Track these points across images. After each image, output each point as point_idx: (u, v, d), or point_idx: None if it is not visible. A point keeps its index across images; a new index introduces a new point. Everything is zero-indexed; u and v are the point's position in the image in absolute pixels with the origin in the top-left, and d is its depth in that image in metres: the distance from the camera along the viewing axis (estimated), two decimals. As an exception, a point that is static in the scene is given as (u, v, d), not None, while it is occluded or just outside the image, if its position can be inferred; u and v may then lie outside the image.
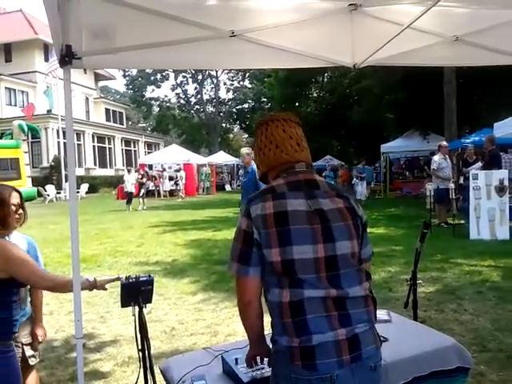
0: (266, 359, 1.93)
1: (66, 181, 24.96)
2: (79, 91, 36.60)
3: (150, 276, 2.54)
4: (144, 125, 59.41)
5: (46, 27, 35.19)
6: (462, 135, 19.97)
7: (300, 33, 2.55)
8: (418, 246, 2.76)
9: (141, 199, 19.66)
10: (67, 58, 2.19)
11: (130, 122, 52.41)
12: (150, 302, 2.59)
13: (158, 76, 48.88)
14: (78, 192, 26.59)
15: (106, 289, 2.51)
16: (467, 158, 10.45)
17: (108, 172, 35.32)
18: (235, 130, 56.74)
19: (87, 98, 38.04)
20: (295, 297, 1.62)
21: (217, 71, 50.23)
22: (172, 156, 28.81)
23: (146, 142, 43.10)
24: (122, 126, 42.35)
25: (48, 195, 23.72)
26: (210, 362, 2.25)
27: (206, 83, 51.55)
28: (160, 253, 9.07)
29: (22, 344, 2.81)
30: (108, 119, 40.44)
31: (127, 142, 40.20)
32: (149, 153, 40.41)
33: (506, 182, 8.47)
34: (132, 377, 3.85)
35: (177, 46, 2.42)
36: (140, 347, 2.50)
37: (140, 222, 14.17)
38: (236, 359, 2.12)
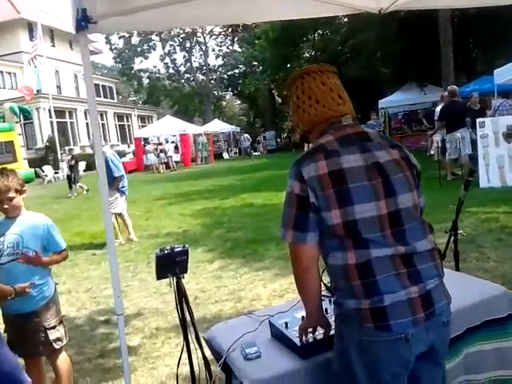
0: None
1: (62, 160, 24.70)
2: (67, 68, 35.85)
3: (184, 246, 2.47)
4: (135, 98, 58.45)
5: (28, 6, 34.25)
6: (459, 85, 19.72)
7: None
8: (461, 194, 2.67)
9: (74, 185, 16.45)
10: (83, 22, 2.03)
11: (120, 97, 51.53)
12: (185, 272, 2.53)
13: (145, 47, 47.70)
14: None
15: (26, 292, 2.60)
16: (471, 105, 10.27)
17: (104, 148, 34.92)
18: (227, 96, 55.89)
19: (76, 75, 37.23)
20: (362, 258, 1.54)
21: (204, 37, 49.15)
22: (167, 127, 28.47)
23: (138, 115, 42.55)
24: (113, 101, 41.72)
25: (46, 176, 23.49)
26: (256, 327, 2.19)
27: (194, 50, 50.34)
28: (169, 225, 9.02)
29: (45, 328, 2.76)
30: (98, 95, 39.68)
31: (120, 117, 39.65)
32: (143, 126, 39.95)
33: (515, 128, 8.35)
34: (162, 348, 3.85)
35: (195, 1, 2.25)
36: (182, 317, 2.44)
37: (143, 196, 14.07)
38: (286, 323, 2.06)
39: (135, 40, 46.99)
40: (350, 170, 1.57)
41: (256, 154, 34.91)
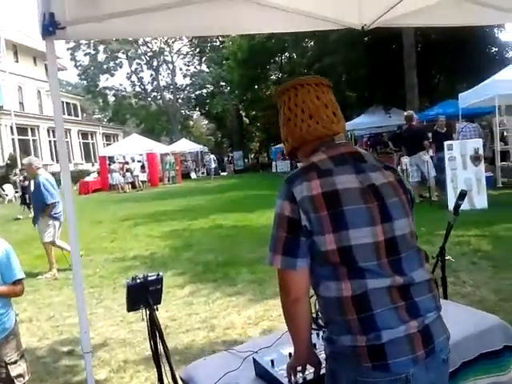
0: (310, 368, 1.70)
1: (13, 181, 23.83)
2: (30, 84, 34.90)
3: (158, 274, 2.27)
4: (100, 116, 57.55)
5: (-11, 18, 33.31)
6: (423, 108, 20.30)
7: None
8: (450, 218, 2.59)
9: (28, 207, 14.87)
10: (50, 27, 1.86)
11: (84, 114, 50.58)
12: (159, 302, 2.32)
13: (111, 64, 47.24)
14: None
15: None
16: (437, 129, 10.50)
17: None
18: (195, 116, 55.77)
19: (39, 91, 36.32)
20: (358, 289, 1.40)
21: (172, 56, 49.10)
22: (134, 146, 28.01)
23: (103, 133, 41.79)
24: (77, 119, 40.83)
25: (6, 195, 22.56)
26: (239, 365, 2.01)
27: (161, 69, 50.21)
28: (136, 247, 8.70)
29: (6, 363, 2.49)
30: (63, 112, 38.49)
31: (84, 135, 38.82)
32: (108, 145, 39.20)
33: (481, 151, 8.52)
34: (131, 383, 3.57)
35: (173, 10, 2.11)
36: (155, 353, 2.23)
37: (109, 216, 13.65)
38: (272, 361, 1.88)
39: (101, 57, 46.51)
40: (344, 191, 1.44)
41: (224, 174, 34.84)
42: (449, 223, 2.61)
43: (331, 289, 1.43)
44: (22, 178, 16.81)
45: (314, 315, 2.33)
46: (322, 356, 1.66)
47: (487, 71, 15.54)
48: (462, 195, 2.58)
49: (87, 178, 26.46)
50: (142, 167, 27.01)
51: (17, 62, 33.95)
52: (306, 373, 1.74)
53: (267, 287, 5.44)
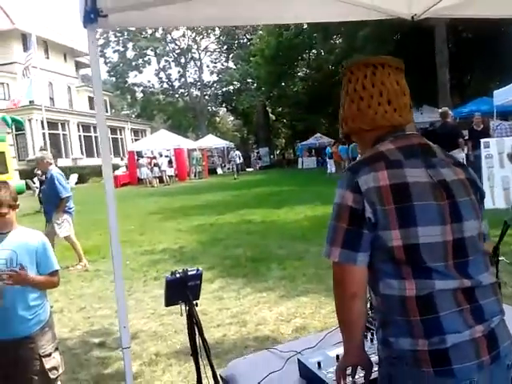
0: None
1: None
2: (61, 80, 35.59)
3: (198, 270, 2.20)
4: (128, 112, 58.29)
5: (23, 17, 34.09)
6: (455, 106, 19.82)
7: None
8: (508, 217, 2.45)
9: None
10: (92, 15, 1.80)
11: (113, 110, 51.32)
12: (197, 298, 2.26)
13: (140, 61, 47.78)
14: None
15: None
16: (474, 126, 10.18)
17: (96, 161, 34.51)
18: (221, 112, 55.95)
19: (69, 87, 37.01)
20: (424, 290, 1.30)
21: (199, 53, 49.36)
22: (161, 142, 28.24)
23: (132, 128, 42.28)
24: (106, 114, 41.30)
25: (37, 188, 23.02)
26: (282, 366, 1.92)
27: (189, 66, 50.59)
28: (165, 240, 8.71)
29: (40, 356, 2.46)
30: (92, 107, 39.37)
31: (113, 130, 39.32)
32: (136, 140, 39.67)
33: (519, 149, 8.22)
34: (163, 377, 3.55)
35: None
36: (194, 350, 2.16)
37: (137, 210, 13.75)
38: (319, 363, 1.79)
39: (130, 54, 47.09)
40: (414, 185, 1.33)
41: (250, 170, 34.80)
42: (505, 222, 2.47)
43: (393, 287, 1.33)
44: (39, 171, 16.91)
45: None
46: (373, 359, 1.57)
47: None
48: None
49: (116, 172, 26.74)
50: (170, 162, 27.20)
51: (47, 58, 34.66)
52: (356, 377, 1.64)
53: (299, 284, 5.36)
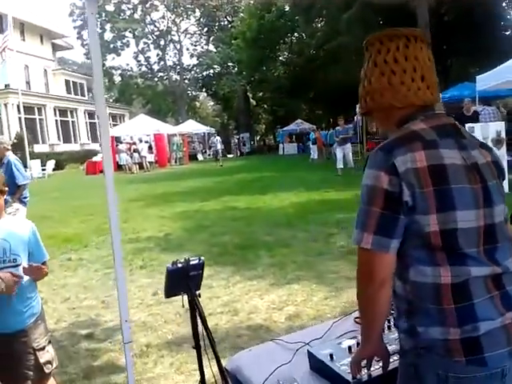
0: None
1: (30, 158, 23.74)
2: (37, 63, 34.57)
3: (200, 259, 2.11)
4: (106, 96, 56.90)
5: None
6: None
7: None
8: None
9: None
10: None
11: (90, 94, 50.23)
12: (199, 288, 2.17)
13: (118, 43, 46.73)
14: (43, 170, 25.49)
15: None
16: (464, 111, 10.20)
17: (73, 147, 33.92)
18: (201, 97, 55.29)
19: (45, 70, 36.00)
20: (459, 277, 1.24)
21: (179, 35, 48.51)
22: (141, 127, 27.78)
23: (110, 113, 41.46)
24: (84, 98, 40.52)
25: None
26: (291, 358, 1.85)
27: (168, 49, 49.69)
28: (149, 228, 8.56)
29: (34, 350, 2.35)
30: (69, 91, 38.53)
31: (91, 115, 38.54)
32: (114, 125, 38.94)
33: (503, 134, 8.29)
34: (155, 369, 3.46)
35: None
36: (197, 343, 2.08)
37: (119, 197, 13.40)
38: (331, 355, 1.72)
39: (108, 36, 45.94)
40: (451, 167, 1.26)
41: (230, 156, 34.58)
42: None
43: (426, 274, 1.26)
44: None
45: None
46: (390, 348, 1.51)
47: (501, 54, 15.21)
48: None
49: (94, 158, 26.30)
50: (150, 148, 26.82)
51: (23, 40, 33.58)
52: (372, 369, 1.59)
53: (288, 271, 5.31)
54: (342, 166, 14.83)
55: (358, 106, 16.28)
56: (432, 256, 1.26)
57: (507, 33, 21.64)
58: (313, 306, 4.29)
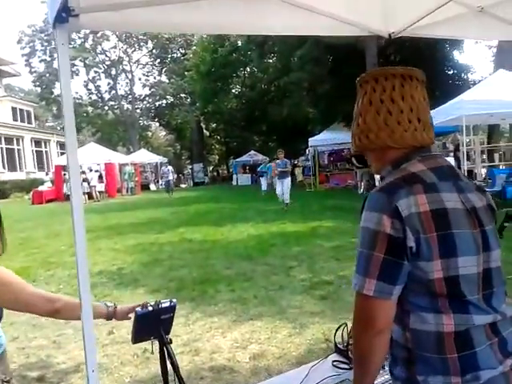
0: None
1: None
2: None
3: (171, 301, 1.97)
4: (53, 124, 55.55)
5: None
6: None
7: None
8: None
9: None
10: (64, 13, 1.58)
11: (37, 122, 48.71)
12: (168, 333, 2.03)
13: (68, 71, 45.86)
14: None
15: (128, 318, 1.93)
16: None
17: (18, 175, 32.49)
18: (153, 127, 54.92)
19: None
20: (462, 325, 1.21)
21: (131, 66, 48.31)
22: (91, 156, 27.05)
23: (58, 141, 40.27)
24: (30, 126, 39.18)
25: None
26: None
27: (119, 78, 49.30)
28: (100, 261, 8.19)
29: (3, 381, 2.12)
30: (15, 119, 37.11)
31: (37, 143, 37.32)
32: (62, 153, 37.78)
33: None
34: (114, 417, 3.22)
35: (196, 3, 1.88)
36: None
37: (67, 229, 12.92)
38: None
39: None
40: (452, 211, 1.23)
41: (183, 186, 34.26)
42: None
43: (428, 322, 1.22)
44: None
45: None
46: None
47: (446, 92, 16.10)
48: (509, 216, 2.45)
49: (41, 188, 25.31)
50: (100, 177, 26.12)
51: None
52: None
53: (250, 307, 5.18)
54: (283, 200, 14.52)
55: (310, 139, 16.56)
56: (434, 303, 1.22)
57: (450, 72, 22.98)
58: (277, 343, 4.17)
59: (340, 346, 2.18)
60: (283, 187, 14.28)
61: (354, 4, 2.30)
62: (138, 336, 1.99)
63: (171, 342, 1.97)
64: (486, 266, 1.27)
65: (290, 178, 14.80)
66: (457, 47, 22.73)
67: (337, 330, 2.27)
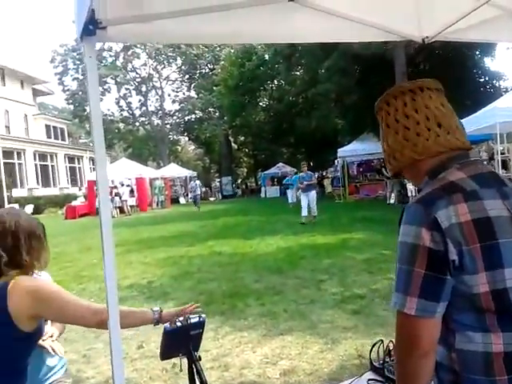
0: None
1: (8, 202, 23.23)
2: (17, 107, 34.46)
3: (200, 317, 1.92)
4: (86, 140, 57.06)
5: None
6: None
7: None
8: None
9: None
10: (91, 26, 1.57)
11: (71, 139, 50.11)
12: (198, 349, 1.98)
13: (100, 89, 47.02)
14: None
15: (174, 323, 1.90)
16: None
17: (52, 191, 33.37)
18: (182, 141, 55.70)
19: (26, 115, 35.87)
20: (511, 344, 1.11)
21: (161, 82, 49.27)
22: (122, 170, 27.60)
23: (90, 157, 41.26)
24: (64, 143, 40.32)
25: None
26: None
27: (150, 95, 50.37)
28: (131, 275, 8.24)
29: None
30: (49, 136, 38.29)
31: (71, 159, 38.34)
32: (94, 169, 38.60)
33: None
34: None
35: (225, 13, 1.85)
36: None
37: (98, 242, 13.05)
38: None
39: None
40: (497, 219, 1.14)
41: (212, 199, 34.47)
42: None
43: (476, 342, 1.13)
44: None
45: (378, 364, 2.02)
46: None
47: (477, 100, 15.72)
48: None
49: (74, 203, 25.90)
50: (131, 192, 26.56)
51: (4, 85, 33.59)
52: None
53: (280, 321, 5.08)
54: (306, 214, 13.98)
55: (339, 150, 16.38)
56: (481, 320, 1.13)
57: (482, 80, 22.48)
58: (308, 359, 4.06)
59: (376, 364, 2.07)
60: (309, 200, 13.97)
61: (386, 9, 2.23)
62: (167, 353, 1.95)
63: (200, 359, 1.92)
64: None
65: (315, 191, 14.51)
66: (488, 54, 22.23)
67: (372, 347, 2.17)
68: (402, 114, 1.31)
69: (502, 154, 12.07)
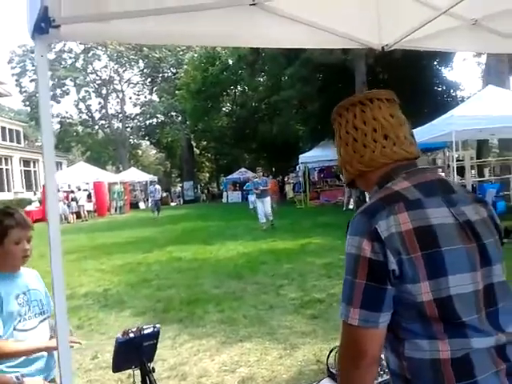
0: None
1: None
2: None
3: (155, 327, 1.86)
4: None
5: None
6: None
7: (328, 7, 2.08)
8: None
9: None
10: (43, 23, 1.49)
11: (26, 141, 48.43)
12: (152, 360, 1.91)
13: (58, 91, 45.80)
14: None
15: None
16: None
17: (6, 196, 32.07)
18: (143, 145, 54.86)
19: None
20: (459, 351, 1.11)
21: (122, 85, 48.45)
22: (79, 175, 26.89)
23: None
24: (19, 145, 38.90)
25: None
26: None
27: (110, 98, 49.37)
28: (86, 283, 8.00)
29: None
30: (4, 138, 36.83)
31: (26, 162, 36.98)
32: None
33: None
34: None
35: (184, 15, 1.81)
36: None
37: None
38: None
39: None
40: (440, 227, 1.15)
41: (173, 204, 34.09)
42: None
43: (423, 349, 1.13)
44: None
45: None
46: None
47: (435, 108, 16.23)
48: (507, 231, 2.37)
49: (28, 207, 24.92)
50: (89, 196, 25.87)
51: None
52: None
53: (240, 328, 5.04)
54: (265, 220, 13.84)
55: (300, 156, 16.55)
56: (428, 328, 1.13)
57: (439, 89, 23.26)
58: (267, 366, 4.04)
59: (332, 370, 2.07)
60: (264, 206, 13.82)
61: (348, 17, 2.26)
62: (119, 364, 1.89)
63: (154, 371, 1.86)
64: (487, 282, 1.19)
65: (269, 197, 14.33)
66: (446, 64, 23.07)
67: (330, 353, 2.16)
68: (352, 125, 1.33)
69: (458, 160, 12.45)
